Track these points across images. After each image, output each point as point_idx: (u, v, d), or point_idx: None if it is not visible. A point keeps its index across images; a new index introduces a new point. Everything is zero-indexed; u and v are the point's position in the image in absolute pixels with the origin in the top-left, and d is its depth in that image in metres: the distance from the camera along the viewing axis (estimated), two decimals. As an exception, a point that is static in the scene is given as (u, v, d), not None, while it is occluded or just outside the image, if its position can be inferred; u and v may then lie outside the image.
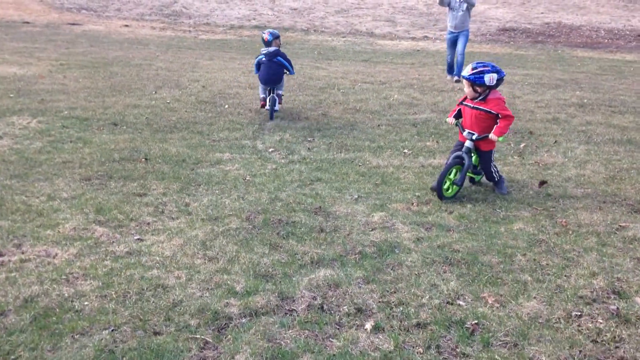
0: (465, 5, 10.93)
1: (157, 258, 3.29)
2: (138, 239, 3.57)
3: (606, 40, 18.73)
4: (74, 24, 19.16)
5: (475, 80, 4.46)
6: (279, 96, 7.27)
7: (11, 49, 13.29)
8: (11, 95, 7.62)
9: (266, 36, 7.59)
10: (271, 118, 7.12)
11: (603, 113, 8.39)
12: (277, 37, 7.63)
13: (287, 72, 7.33)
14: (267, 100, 7.15)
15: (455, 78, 11.00)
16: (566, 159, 5.94)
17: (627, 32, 19.83)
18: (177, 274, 3.11)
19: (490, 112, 4.59)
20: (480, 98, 4.57)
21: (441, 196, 4.46)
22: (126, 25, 19.57)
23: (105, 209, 4.01)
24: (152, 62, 12.23)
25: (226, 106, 7.83)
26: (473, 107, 4.64)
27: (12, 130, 5.83)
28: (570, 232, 3.97)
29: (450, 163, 4.56)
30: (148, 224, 3.82)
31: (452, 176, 4.59)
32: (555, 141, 6.68)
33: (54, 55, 12.45)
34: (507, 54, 16.87)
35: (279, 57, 7.28)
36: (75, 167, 4.83)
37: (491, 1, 24.51)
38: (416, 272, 3.26)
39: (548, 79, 12.04)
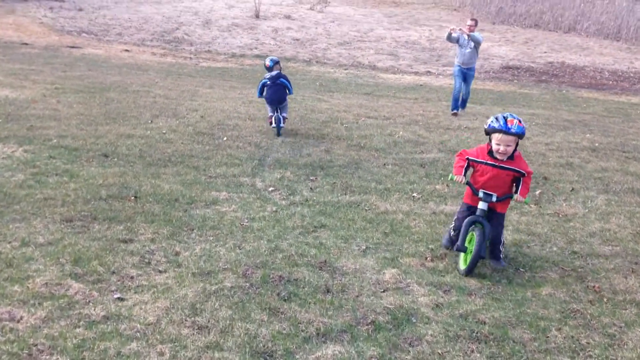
0: (472, 43, 10.74)
1: (139, 325, 2.83)
2: (118, 297, 3.12)
3: (610, 82, 18.55)
4: (73, 47, 18.90)
5: (523, 133, 3.85)
6: (284, 118, 7.97)
7: (6, 70, 12.95)
8: (0, 121, 7.21)
9: (267, 62, 8.49)
10: (278, 134, 7.81)
11: (617, 159, 8.04)
12: (277, 62, 8.46)
13: (288, 92, 8.13)
14: (274, 119, 7.81)
15: (454, 112, 11.09)
16: (587, 210, 5.53)
17: (632, 74, 19.68)
18: (160, 348, 2.65)
19: (520, 171, 3.96)
20: (508, 156, 3.93)
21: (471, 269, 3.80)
22: (127, 50, 19.32)
23: (84, 258, 3.56)
24: (150, 89, 11.88)
25: (224, 138, 7.44)
26: (500, 167, 3.95)
27: (-4, 163, 5.40)
28: (606, 300, 3.54)
29: (465, 230, 3.88)
30: (132, 277, 3.37)
31: (469, 244, 3.92)
32: (572, 189, 6.29)
33: (49, 79, 12.10)
34: (511, 92, 16.64)
35: (281, 79, 8.14)
36: (57, 205, 4.39)
37: (494, 39, 24.46)
38: (439, 351, 2.81)
39: (555, 119, 11.73)
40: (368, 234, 4.39)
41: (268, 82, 8.02)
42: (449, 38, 11.05)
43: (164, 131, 7.53)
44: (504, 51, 22.26)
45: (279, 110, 7.94)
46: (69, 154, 5.89)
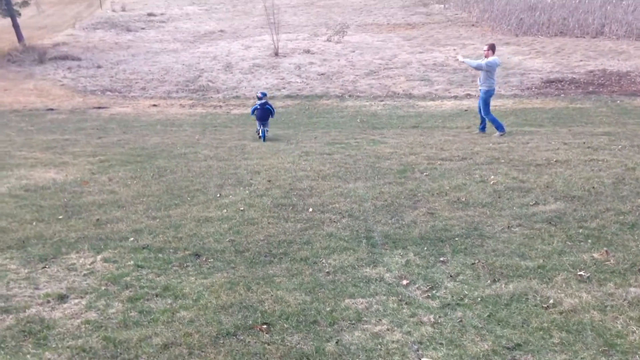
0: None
1: None
2: None
3: (662, 85, 17.60)
4: (100, 108, 18.36)
5: None
6: (266, 130, 12.31)
7: (41, 143, 12.32)
8: (60, 217, 6.44)
9: (259, 94, 12.82)
10: (264, 140, 12.12)
11: None
12: (265, 95, 12.84)
13: (271, 115, 12.38)
14: (260, 131, 12.23)
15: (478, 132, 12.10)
16: None
17: (681, 74, 18.72)
18: None
19: None
20: None
21: None
22: (154, 105, 18.75)
23: None
24: (196, 150, 11.16)
25: (310, 210, 6.60)
26: None
27: (77, 280, 4.58)
28: None
29: None
30: None
31: None
32: None
33: (89, 149, 11.43)
34: (563, 109, 15.74)
35: (267, 106, 12.32)
36: (184, 355, 3.51)
37: (523, 52, 23.66)
38: None
39: (632, 136, 10.79)
40: (583, 355, 3.44)
41: (258, 107, 12.31)
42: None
43: (242, 208, 6.71)
44: (539, 64, 21.42)
45: (263, 125, 12.26)
46: (155, 258, 5.06)
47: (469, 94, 18.38)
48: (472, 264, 4.73)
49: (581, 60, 21.47)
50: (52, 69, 24.03)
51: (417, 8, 37.61)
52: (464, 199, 6.74)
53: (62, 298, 4.25)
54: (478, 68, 11.52)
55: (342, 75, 21.76)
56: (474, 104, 17.30)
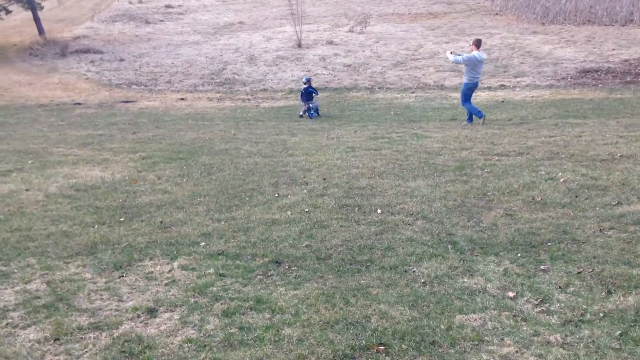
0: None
1: None
2: None
3: (703, 74, 17.11)
4: (127, 102, 18.15)
5: None
6: (314, 107, 14.93)
7: (75, 139, 12.12)
8: (121, 220, 6.20)
9: (304, 80, 15.16)
10: (310, 117, 14.77)
11: None
12: (309, 79, 15.24)
13: (315, 94, 15.06)
14: (303, 112, 14.95)
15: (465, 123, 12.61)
16: None
17: None
18: None
19: None
20: None
21: None
22: (182, 99, 18.51)
23: None
24: (236, 145, 10.91)
25: (378, 211, 6.33)
26: None
27: (160, 291, 4.33)
28: None
29: None
30: None
31: None
32: None
33: (127, 145, 11.21)
34: (604, 99, 15.32)
35: (310, 89, 14.85)
36: None
37: (553, 40, 23.17)
38: None
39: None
40: None
41: (302, 91, 15.11)
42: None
43: (306, 209, 6.45)
44: (571, 53, 20.95)
45: (309, 105, 14.84)
46: (235, 266, 4.81)
47: (502, 85, 17.99)
48: (578, 273, 4.43)
49: (614, 49, 20.97)
50: (75, 63, 23.86)
51: (437, -4, 37.03)
52: (539, 199, 6.43)
53: (151, 312, 4.01)
54: (456, 62, 12.36)
55: (369, 67, 21.40)
56: (509, 95, 16.94)
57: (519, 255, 4.89)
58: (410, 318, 3.81)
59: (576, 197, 6.49)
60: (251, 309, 4.03)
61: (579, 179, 7.16)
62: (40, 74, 22.54)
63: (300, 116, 14.94)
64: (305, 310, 3.98)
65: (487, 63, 20.95)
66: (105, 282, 4.57)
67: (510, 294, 4.18)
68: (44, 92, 19.75)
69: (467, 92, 12.40)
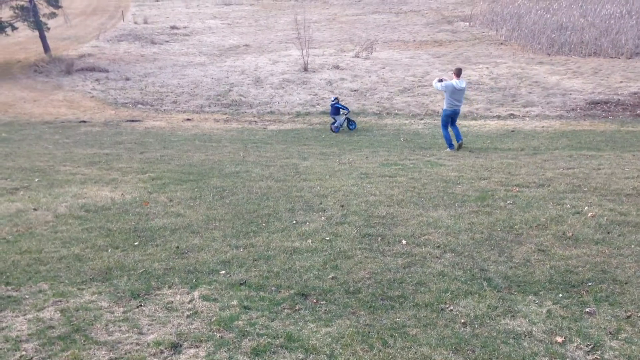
0: None
1: None
2: None
3: None
4: (133, 121, 17.96)
5: None
6: (340, 123, 16.23)
7: (82, 158, 11.88)
8: (136, 244, 5.93)
9: (332, 97, 16.68)
10: (335, 131, 16.28)
11: None
12: (337, 97, 16.45)
13: (343, 110, 16.33)
14: (334, 126, 16.24)
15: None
16: None
17: None
18: None
19: None
20: None
21: None
22: (188, 119, 18.34)
23: None
24: (247, 168, 10.68)
25: (403, 242, 6.08)
26: None
27: (182, 323, 4.05)
28: None
29: None
30: None
31: None
32: None
33: (135, 165, 10.97)
34: (616, 132, 15.19)
35: (337, 105, 16.21)
36: None
37: (560, 72, 23.18)
38: None
39: None
40: None
41: (330, 106, 16.39)
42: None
43: (327, 238, 6.20)
44: (578, 84, 20.91)
45: (335, 120, 16.24)
46: (259, 298, 4.54)
47: (512, 114, 17.88)
48: (627, 317, 4.17)
49: (621, 82, 20.95)
50: (80, 81, 23.73)
51: (441, 25, 37.28)
52: (570, 234, 6.19)
53: (175, 347, 3.73)
54: (437, 89, 12.67)
55: (376, 92, 21.32)
56: (519, 124, 16.81)
57: (560, 295, 4.63)
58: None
59: (608, 233, 6.25)
60: (282, 347, 3.76)
61: (608, 214, 6.93)
62: (45, 90, 22.38)
63: (333, 130, 16.36)
64: (341, 351, 3.71)
65: (494, 92, 20.91)
66: (123, 312, 4.29)
67: (559, 339, 3.92)
68: (49, 109, 19.57)
69: (445, 119, 12.75)
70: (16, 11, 26.07)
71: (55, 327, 3.99)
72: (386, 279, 4.96)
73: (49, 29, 26.81)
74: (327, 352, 3.69)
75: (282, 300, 4.50)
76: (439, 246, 5.92)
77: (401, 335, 3.93)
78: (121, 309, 4.32)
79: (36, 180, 9.48)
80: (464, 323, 4.12)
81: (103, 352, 3.65)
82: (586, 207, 7.31)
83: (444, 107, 12.70)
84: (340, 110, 16.30)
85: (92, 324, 4.04)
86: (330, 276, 5.02)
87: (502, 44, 30.66)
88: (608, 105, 17.85)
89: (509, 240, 6.11)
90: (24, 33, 31.94)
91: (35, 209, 7.46)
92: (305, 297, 4.60)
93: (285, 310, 4.33)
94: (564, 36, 28.78)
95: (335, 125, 16.29)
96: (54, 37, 31.20)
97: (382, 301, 4.53)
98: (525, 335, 3.96)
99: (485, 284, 4.88)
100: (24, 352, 3.65)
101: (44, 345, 3.73)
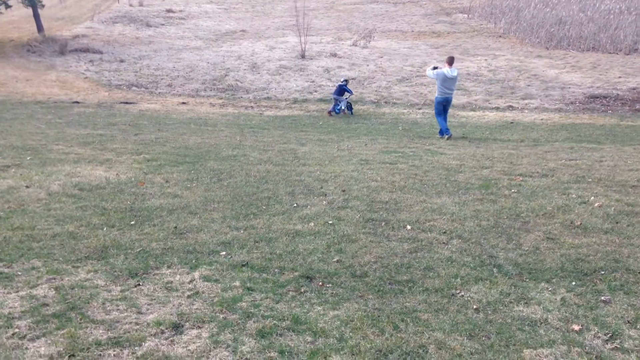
0: None
1: None
2: None
3: None
4: (127, 103, 17.66)
5: None
6: (345, 104, 16.42)
7: (75, 138, 11.62)
8: (132, 223, 5.73)
9: (341, 80, 16.79)
10: (337, 113, 16.43)
11: None
12: (346, 80, 16.86)
13: (348, 93, 16.45)
14: (332, 108, 16.50)
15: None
16: None
17: None
18: None
19: None
20: None
21: None
22: (183, 103, 18.06)
23: None
24: (244, 152, 10.47)
25: (408, 227, 5.92)
26: None
27: (183, 304, 3.87)
28: None
29: None
30: None
31: None
32: None
33: (129, 146, 10.73)
34: (615, 126, 15.09)
35: (344, 87, 16.26)
36: None
37: (558, 65, 23.07)
38: None
39: None
40: None
41: (337, 86, 16.54)
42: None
43: (330, 221, 6.02)
44: (577, 78, 20.81)
45: (338, 102, 16.30)
46: (263, 280, 4.36)
47: (510, 106, 17.74)
48: (642, 306, 4.02)
49: (620, 77, 20.86)
50: (73, 61, 23.35)
51: (439, 17, 37.07)
52: (578, 223, 6.05)
53: (176, 327, 3.55)
54: (429, 76, 12.99)
55: (373, 81, 21.11)
56: (518, 116, 16.68)
57: (574, 283, 4.48)
58: (472, 350, 3.38)
59: (617, 223, 6.12)
60: (289, 330, 3.58)
61: (615, 205, 6.79)
62: (38, 70, 22.00)
63: (329, 113, 16.40)
64: (351, 334, 3.54)
65: (493, 84, 20.76)
66: (121, 291, 4.10)
67: (575, 327, 3.77)
68: (41, 89, 19.21)
69: (438, 107, 12.94)
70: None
71: (49, 305, 3.79)
72: (393, 264, 4.80)
73: (43, 5, 26.33)
74: (337, 336, 3.52)
75: (286, 283, 4.33)
76: (444, 232, 5.76)
77: (413, 320, 3.77)
78: (118, 288, 4.13)
79: (28, 158, 9.24)
80: (476, 309, 3.96)
81: (101, 331, 3.46)
82: (592, 197, 7.17)
83: (436, 95, 12.94)
84: (346, 92, 16.38)
85: (88, 302, 3.85)
86: (334, 259, 4.86)
87: (500, 36, 30.51)
88: (607, 99, 17.75)
89: (516, 227, 5.96)
90: (18, 12, 31.44)
91: (27, 186, 7.23)
92: (310, 279, 4.43)
93: (290, 293, 4.15)
94: (563, 30, 28.66)
95: (338, 107, 16.36)
96: (48, 17, 30.71)
97: (390, 285, 4.36)
98: (541, 323, 3.81)
99: (495, 270, 4.73)
100: (17, 330, 3.45)
101: (38, 322, 3.54)
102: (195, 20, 33.95)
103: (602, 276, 4.66)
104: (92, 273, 4.41)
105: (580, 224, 6.08)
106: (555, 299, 4.20)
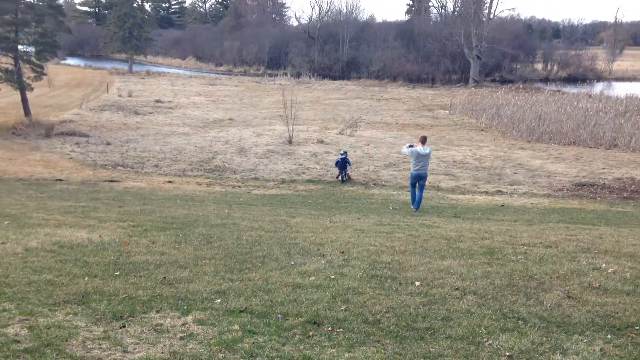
0: None
1: None
2: None
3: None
4: (112, 181, 17.29)
5: None
6: (345, 174, 17.90)
7: (57, 208, 11.13)
8: (116, 274, 5.21)
9: (341, 152, 18.64)
10: (342, 182, 18.07)
11: None
12: (345, 152, 18.41)
13: (348, 165, 18.05)
14: (341, 176, 18.05)
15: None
16: None
17: None
18: None
19: None
20: None
21: None
22: (169, 182, 17.75)
23: None
24: (234, 221, 10.05)
25: (417, 283, 5.48)
26: None
27: (175, 344, 3.36)
28: None
29: None
30: None
31: None
32: None
33: (113, 215, 10.25)
34: (606, 211, 15.01)
35: (347, 160, 18.07)
36: None
37: (542, 157, 23.44)
38: None
39: None
40: None
41: (339, 160, 18.12)
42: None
43: (332, 276, 5.56)
44: (562, 168, 21.06)
45: (343, 173, 18.00)
46: (264, 324, 3.86)
47: (499, 190, 17.70)
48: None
49: (604, 168, 21.15)
50: (59, 143, 23.18)
51: (422, 112, 38.15)
52: (596, 285, 5.67)
53: (169, 366, 3.00)
54: (404, 154, 14.35)
55: (361, 165, 21.13)
56: (508, 200, 16.58)
57: (609, 336, 4.04)
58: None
59: (637, 286, 5.74)
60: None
61: (630, 270, 6.45)
62: (22, 151, 21.72)
63: (337, 178, 18.40)
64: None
65: (480, 170, 20.87)
66: (104, 331, 3.58)
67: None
68: (24, 168, 18.83)
69: (412, 180, 14.14)
70: (0, 73, 25.79)
71: (21, 342, 3.25)
72: (407, 313, 4.33)
73: (32, 89, 26.48)
74: (357, 376, 3.01)
75: (291, 327, 3.83)
76: (457, 289, 5.34)
77: (440, 364, 3.27)
78: (101, 328, 3.61)
79: (6, 222, 8.73)
80: (509, 356, 3.49)
81: (79, 368, 2.92)
82: (604, 265, 6.84)
83: (411, 170, 14.11)
84: (347, 165, 18.32)
85: (66, 340, 3.32)
86: (342, 308, 4.38)
87: (482, 130, 31.25)
88: (594, 187, 17.84)
89: (533, 287, 5.56)
90: (6, 99, 31.63)
91: (2, 243, 6.70)
92: (317, 325, 3.94)
93: (297, 336, 3.66)
94: (543, 126, 29.45)
95: (341, 176, 18.34)
96: (36, 104, 30.89)
97: (409, 332, 3.88)
98: (585, 370, 3.33)
99: (520, 322, 4.29)
100: (-21, 364, 2.90)
101: (7, 357, 2.99)
102: (184, 109, 34.44)
103: (637, 331, 4.23)
104: (71, 315, 3.89)
105: (599, 285, 5.70)
106: (594, 350, 3.75)
